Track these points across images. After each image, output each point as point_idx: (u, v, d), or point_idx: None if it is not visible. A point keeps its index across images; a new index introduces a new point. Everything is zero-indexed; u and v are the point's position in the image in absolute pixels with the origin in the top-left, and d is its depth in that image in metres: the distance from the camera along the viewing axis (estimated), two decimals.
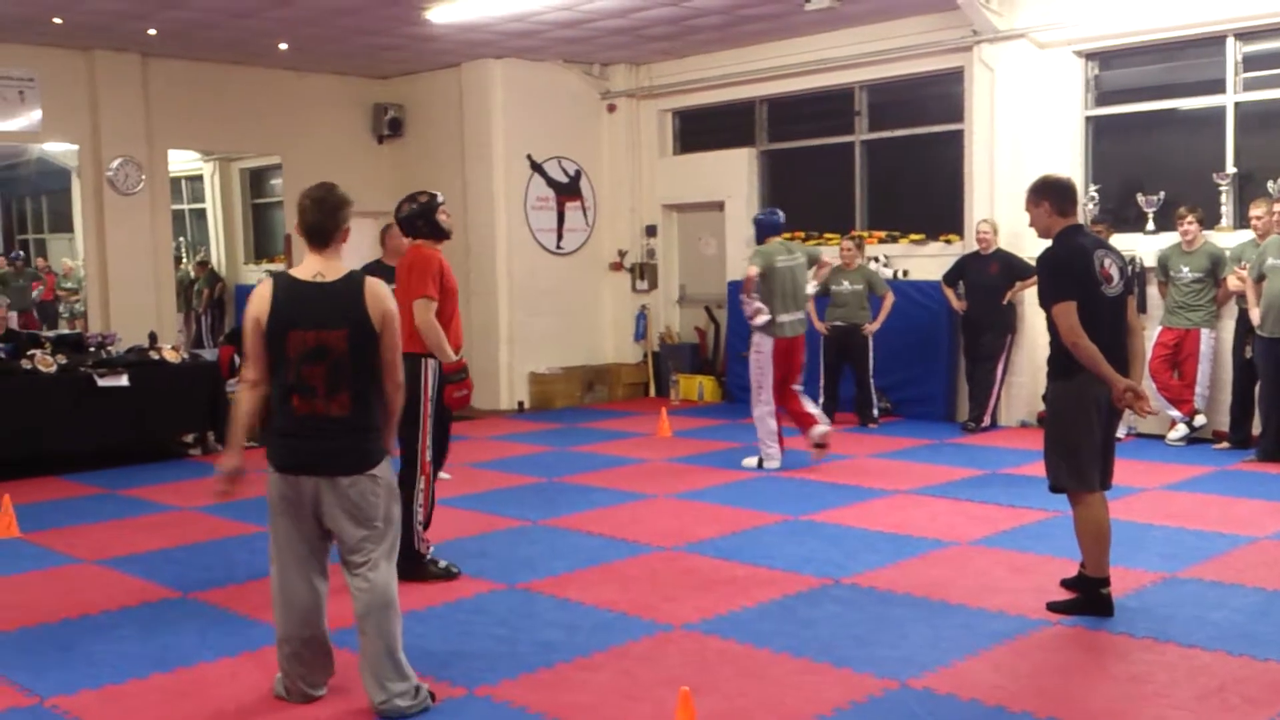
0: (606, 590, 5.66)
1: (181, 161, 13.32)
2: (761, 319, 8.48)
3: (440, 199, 6.04)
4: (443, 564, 5.97)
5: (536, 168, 12.92)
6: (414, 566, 5.83)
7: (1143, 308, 9.28)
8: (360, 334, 4.11)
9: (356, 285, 4.16)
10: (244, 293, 13.16)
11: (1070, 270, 5.01)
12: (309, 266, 4.19)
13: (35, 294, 13.41)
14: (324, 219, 4.18)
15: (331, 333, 4.08)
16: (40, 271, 13.70)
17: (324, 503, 4.13)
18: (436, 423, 5.89)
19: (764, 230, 8.81)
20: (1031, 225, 5.33)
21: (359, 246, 13.36)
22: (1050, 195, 5.19)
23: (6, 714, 4.25)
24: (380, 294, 4.17)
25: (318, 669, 4.33)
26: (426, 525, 5.96)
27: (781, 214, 8.99)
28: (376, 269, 8.63)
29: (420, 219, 5.95)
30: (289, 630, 4.25)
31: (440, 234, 5.98)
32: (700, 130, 13.31)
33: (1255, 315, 8.60)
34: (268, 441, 4.24)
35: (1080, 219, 5.57)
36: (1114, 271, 5.07)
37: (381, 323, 4.14)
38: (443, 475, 8.77)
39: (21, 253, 13.54)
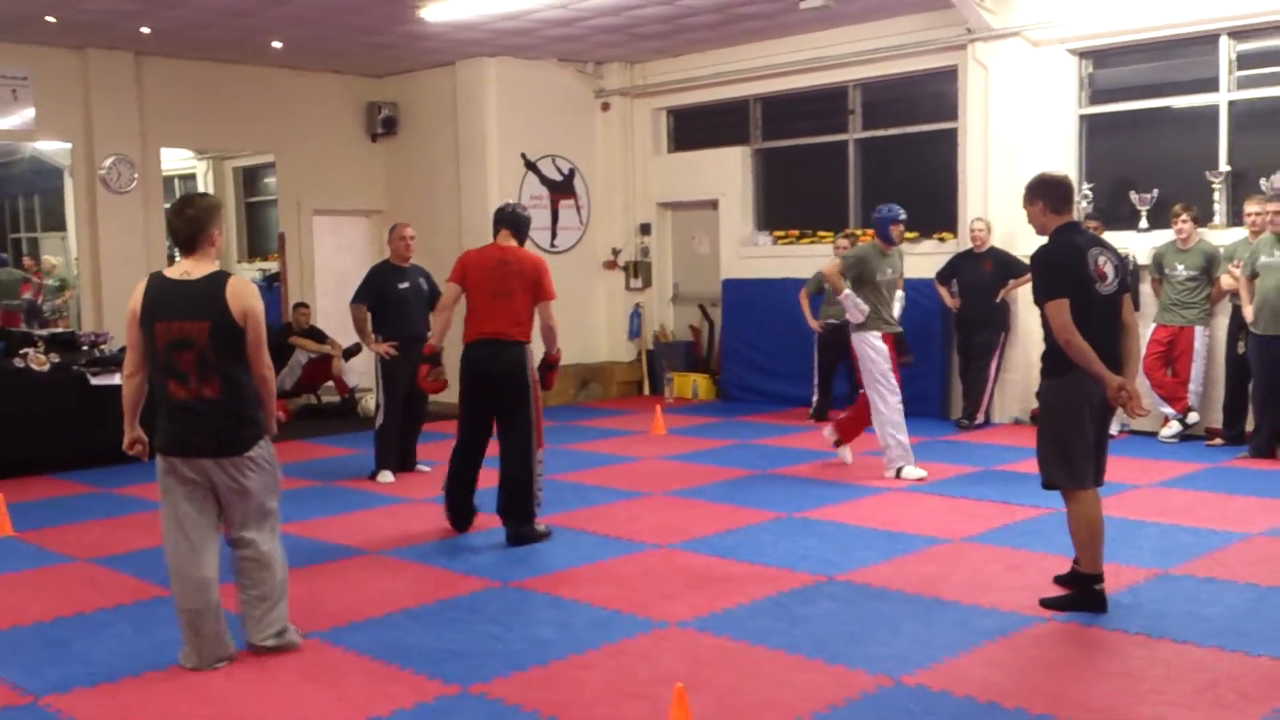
0: (601, 588, 5.66)
1: (175, 160, 13.29)
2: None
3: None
4: (542, 527, 6.62)
5: (530, 166, 12.91)
6: (529, 530, 6.53)
7: (1136, 305, 9.29)
8: (222, 326, 4.49)
9: (219, 283, 4.54)
10: None
11: (1063, 268, 5.02)
12: (178, 267, 4.61)
13: (26, 296, 13.32)
14: (183, 227, 4.59)
15: (193, 324, 4.48)
16: (29, 272, 13.63)
17: (215, 481, 4.60)
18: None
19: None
20: (1029, 223, 5.34)
21: (352, 244, 13.64)
22: (1044, 194, 5.20)
23: (2, 712, 4.24)
24: (241, 292, 4.53)
25: (215, 640, 4.62)
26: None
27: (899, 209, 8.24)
28: (385, 269, 8.60)
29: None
30: (186, 603, 4.60)
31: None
32: (694, 128, 13.30)
33: (1249, 313, 8.60)
34: (156, 427, 4.64)
35: (1075, 216, 5.57)
36: (1109, 269, 5.07)
37: (243, 318, 4.51)
38: (422, 468, 8.82)
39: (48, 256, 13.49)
